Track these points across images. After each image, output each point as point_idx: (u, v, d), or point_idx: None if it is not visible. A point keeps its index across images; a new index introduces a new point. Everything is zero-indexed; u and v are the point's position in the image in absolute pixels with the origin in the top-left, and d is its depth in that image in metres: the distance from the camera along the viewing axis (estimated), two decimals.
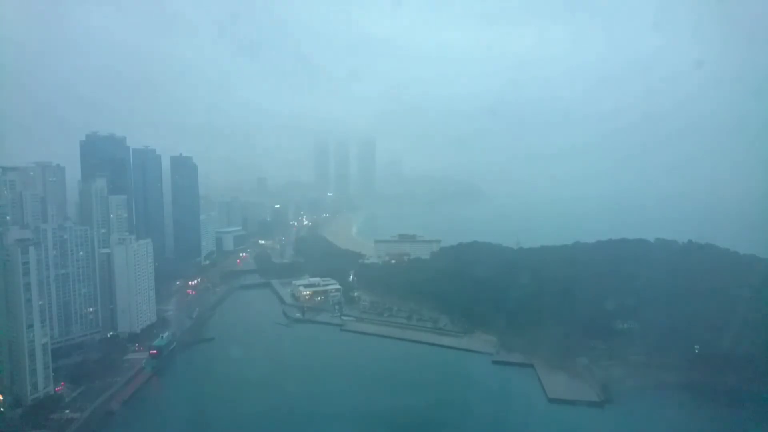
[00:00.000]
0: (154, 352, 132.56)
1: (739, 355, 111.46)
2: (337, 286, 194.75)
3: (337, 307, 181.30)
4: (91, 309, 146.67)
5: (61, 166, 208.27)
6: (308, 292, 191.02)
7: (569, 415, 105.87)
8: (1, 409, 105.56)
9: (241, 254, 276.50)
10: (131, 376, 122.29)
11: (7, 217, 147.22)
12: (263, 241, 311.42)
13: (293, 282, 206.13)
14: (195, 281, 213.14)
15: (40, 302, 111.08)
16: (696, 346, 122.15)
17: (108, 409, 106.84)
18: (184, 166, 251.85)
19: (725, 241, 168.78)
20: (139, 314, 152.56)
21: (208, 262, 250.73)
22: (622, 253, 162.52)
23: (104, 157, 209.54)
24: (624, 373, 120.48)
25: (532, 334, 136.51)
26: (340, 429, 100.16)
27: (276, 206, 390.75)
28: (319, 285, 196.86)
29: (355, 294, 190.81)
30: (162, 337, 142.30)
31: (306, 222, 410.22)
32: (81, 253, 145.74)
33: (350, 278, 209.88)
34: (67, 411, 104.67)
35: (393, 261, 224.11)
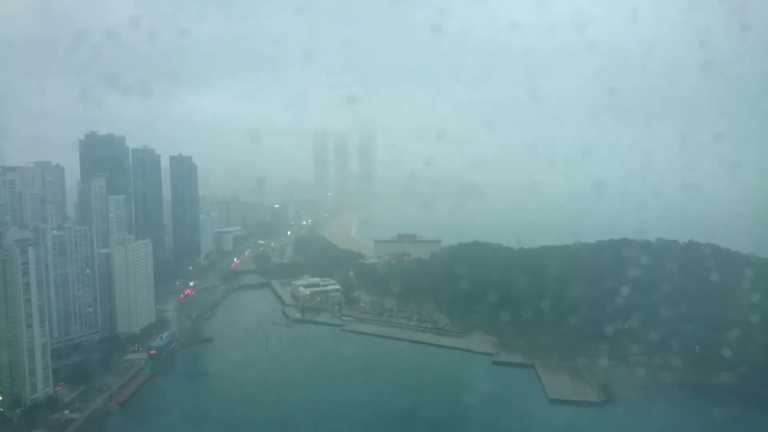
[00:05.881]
0: (154, 352, 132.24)
1: (739, 355, 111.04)
2: (337, 287, 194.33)
3: (336, 307, 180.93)
4: (90, 309, 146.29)
5: (60, 166, 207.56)
6: (308, 292, 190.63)
7: (570, 416, 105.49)
8: (1, 410, 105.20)
9: (236, 257, 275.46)
10: (130, 376, 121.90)
11: (7, 217, 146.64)
12: (263, 241, 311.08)
13: (293, 282, 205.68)
14: (194, 281, 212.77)
15: (39, 302, 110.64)
16: (697, 346, 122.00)
17: (107, 410, 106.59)
18: (183, 166, 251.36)
19: (725, 240, 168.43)
20: (138, 314, 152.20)
21: (207, 262, 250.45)
22: (623, 253, 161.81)
23: (103, 156, 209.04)
24: (625, 373, 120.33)
25: (533, 334, 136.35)
26: (341, 429, 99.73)
27: (276, 206, 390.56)
28: (318, 285, 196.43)
29: (355, 294, 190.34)
30: (161, 337, 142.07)
31: (306, 222, 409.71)
32: (80, 253, 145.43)
33: (350, 278, 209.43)
34: (67, 411, 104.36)
35: (393, 261, 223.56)
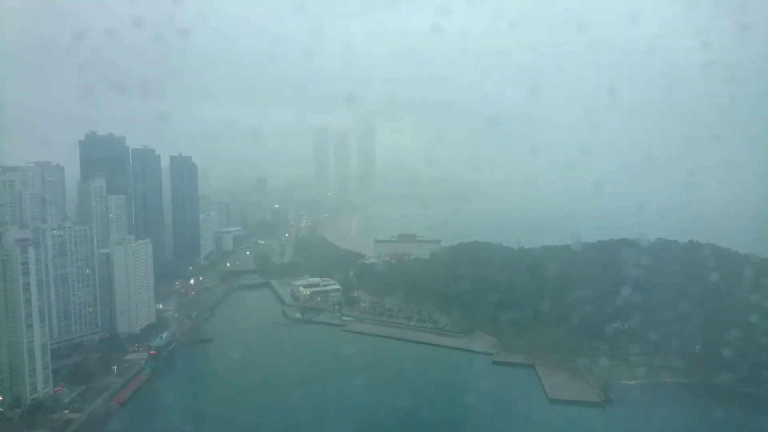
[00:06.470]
0: (154, 352, 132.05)
1: (739, 355, 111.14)
2: (337, 287, 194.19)
3: (336, 307, 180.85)
4: (90, 309, 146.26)
5: (60, 166, 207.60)
6: (308, 292, 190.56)
7: (570, 416, 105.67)
8: (1, 410, 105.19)
9: (236, 257, 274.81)
10: (130, 376, 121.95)
11: (7, 217, 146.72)
12: (263, 241, 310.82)
13: (293, 282, 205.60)
14: (194, 281, 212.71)
15: (39, 302, 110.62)
16: (697, 346, 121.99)
17: (107, 410, 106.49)
18: (183, 166, 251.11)
19: (725, 240, 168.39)
20: (138, 314, 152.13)
21: (207, 262, 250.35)
22: (623, 253, 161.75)
23: (103, 156, 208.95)
24: (624, 373, 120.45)
25: (533, 334, 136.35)
26: (341, 429, 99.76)
27: (276, 206, 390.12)
28: (318, 285, 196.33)
29: (355, 294, 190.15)
30: (161, 337, 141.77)
31: (306, 222, 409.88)
32: (80, 253, 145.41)
33: (350, 278, 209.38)
34: (67, 411, 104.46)
35: (393, 261, 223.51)
